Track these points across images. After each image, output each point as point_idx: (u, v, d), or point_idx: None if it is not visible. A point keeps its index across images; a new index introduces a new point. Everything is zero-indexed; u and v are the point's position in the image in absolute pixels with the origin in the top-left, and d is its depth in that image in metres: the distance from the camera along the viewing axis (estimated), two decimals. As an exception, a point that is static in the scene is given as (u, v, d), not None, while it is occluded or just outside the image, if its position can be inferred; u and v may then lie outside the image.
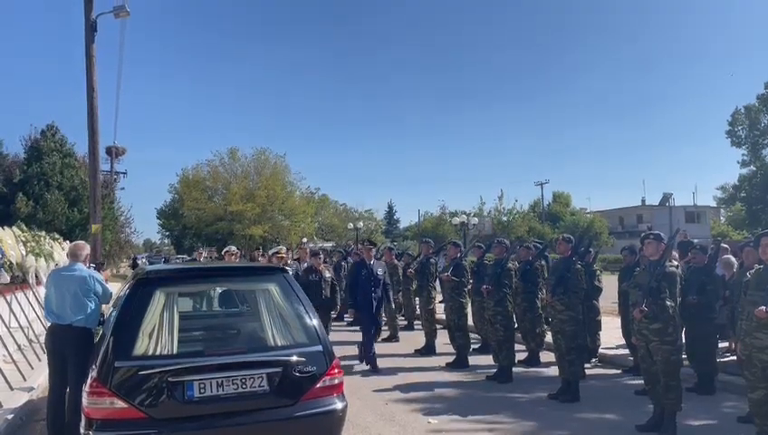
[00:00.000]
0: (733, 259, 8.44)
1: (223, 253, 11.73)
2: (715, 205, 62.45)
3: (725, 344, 8.64)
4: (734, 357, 6.87)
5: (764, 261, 4.68)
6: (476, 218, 41.69)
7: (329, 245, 41.70)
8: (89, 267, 5.72)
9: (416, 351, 10.02)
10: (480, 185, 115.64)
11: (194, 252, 47.88)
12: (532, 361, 9.03)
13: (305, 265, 9.81)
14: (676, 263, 5.94)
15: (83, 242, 5.88)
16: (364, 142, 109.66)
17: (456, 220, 39.81)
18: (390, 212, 72.99)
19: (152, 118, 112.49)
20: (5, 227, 12.33)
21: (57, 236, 18.18)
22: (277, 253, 10.97)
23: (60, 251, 16.46)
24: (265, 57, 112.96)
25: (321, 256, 9.82)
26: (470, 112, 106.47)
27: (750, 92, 67.54)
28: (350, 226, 46.24)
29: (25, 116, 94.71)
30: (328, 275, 9.28)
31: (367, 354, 8.58)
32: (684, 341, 7.41)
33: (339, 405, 4.26)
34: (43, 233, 16.56)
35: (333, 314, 10.23)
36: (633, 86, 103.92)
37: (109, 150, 32.94)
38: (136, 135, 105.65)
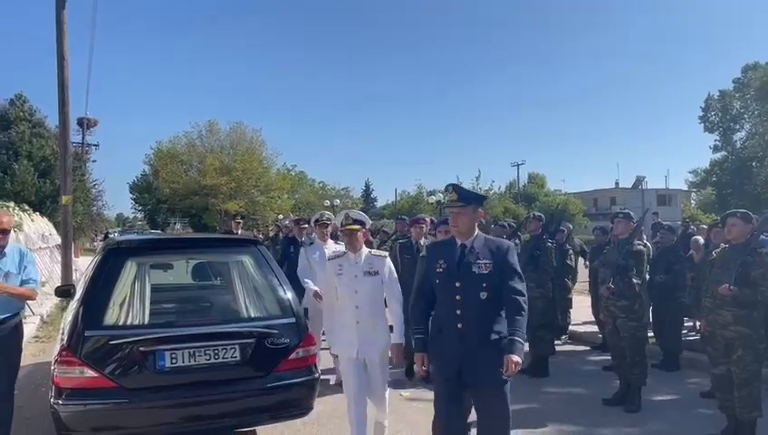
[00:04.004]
0: (701, 240, 8.62)
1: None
2: (686, 188, 63.60)
3: (690, 324, 8.86)
4: (699, 336, 7.05)
5: (729, 240, 4.78)
6: (453, 198, 41.77)
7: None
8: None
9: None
10: (458, 165, 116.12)
11: (167, 226, 47.42)
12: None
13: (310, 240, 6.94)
14: (644, 242, 6.06)
15: None
16: (342, 121, 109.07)
17: (433, 199, 39.94)
18: (368, 190, 72.93)
19: (124, 88, 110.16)
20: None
21: (26, 207, 17.88)
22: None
23: (29, 223, 16.22)
24: (243, 31, 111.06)
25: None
26: (450, 92, 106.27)
27: (725, 78, 68.48)
28: (327, 203, 46.13)
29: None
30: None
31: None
32: (651, 319, 7.61)
33: (311, 377, 4.29)
34: (12, 204, 16.29)
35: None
36: (609, 70, 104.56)
37: (80, 122, 32.16)
38: (108, 106, 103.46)
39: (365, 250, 4.49)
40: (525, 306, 3.37)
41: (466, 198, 3.52)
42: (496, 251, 3.47)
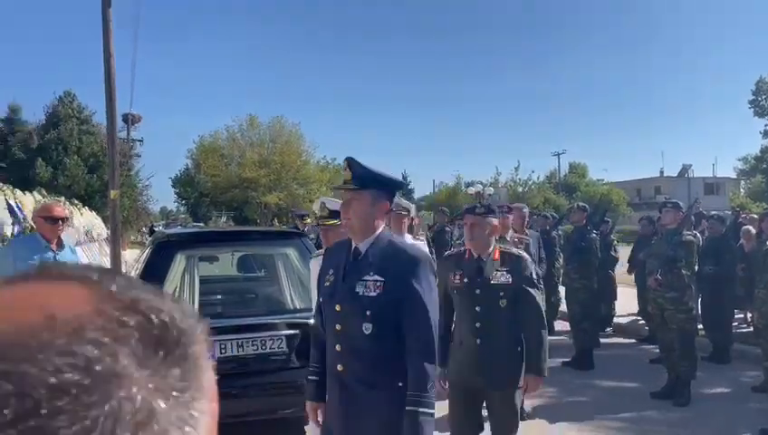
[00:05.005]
0: (752, 229, 8.37)
1: None
2: (734, 176, 61.64)
3: (741, 316, 8.63)
4: (751, 328, 6.86)
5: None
6: (492, 189, 41.48)
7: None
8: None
9: None
10: (496, 156, 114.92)
11: (209, 220, 48.39)
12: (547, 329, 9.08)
13: None
14: (694, 232, 5.92)
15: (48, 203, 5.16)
16: (379, 113, 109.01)
17: (472, 190, 39.65)
18: (405, 181, 72.91)
19: (166, 84, 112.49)
20: (26, 193, 12.55)
21: (76, 201, 18.47)
22: None
23: (78, 217, 16.74)
24: (279, 26, 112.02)
25: None
26: (486, 82, 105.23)
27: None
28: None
29: (41, 84, 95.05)
30: None
31: None
32: (700, 310, 7.44)
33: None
34: (62, 198, 16.85)
35: None
36: (653, 57, 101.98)
37: (125, 118, 33.00)
38: (150, 102, 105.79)
39: None
40: (433, 355, 2.22)
41: (362, 180, 2.31)
42: (394, 264, 2.28)
